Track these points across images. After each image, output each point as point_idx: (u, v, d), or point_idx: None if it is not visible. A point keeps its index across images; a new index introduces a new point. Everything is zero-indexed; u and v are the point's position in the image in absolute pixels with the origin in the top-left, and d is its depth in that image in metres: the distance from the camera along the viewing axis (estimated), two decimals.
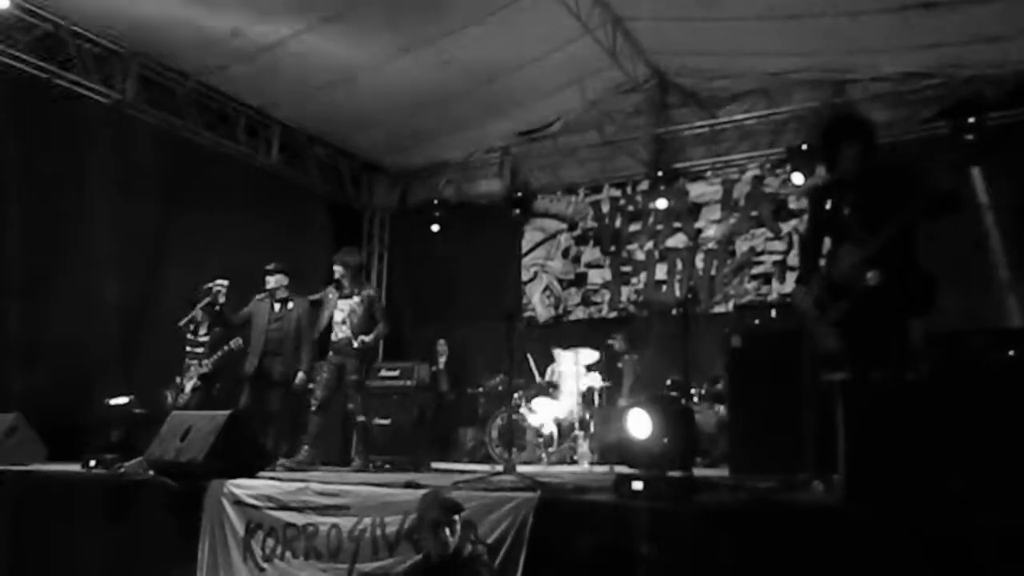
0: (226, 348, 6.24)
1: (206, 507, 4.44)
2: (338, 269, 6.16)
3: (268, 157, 9.35)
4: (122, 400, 5.98)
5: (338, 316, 6.13)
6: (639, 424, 3.70)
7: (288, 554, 4.15)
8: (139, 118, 7.98)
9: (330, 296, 6.29)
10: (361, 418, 6.13)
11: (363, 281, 6.31)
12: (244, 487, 4.42)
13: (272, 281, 6.37)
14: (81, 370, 7.06)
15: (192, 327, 6.52)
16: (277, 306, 6.24)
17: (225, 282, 6.26)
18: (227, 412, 4.92)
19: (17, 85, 6.98)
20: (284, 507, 4.23)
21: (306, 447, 5.88)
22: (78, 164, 7.26)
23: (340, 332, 6.11)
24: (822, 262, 3.85)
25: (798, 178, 8.28)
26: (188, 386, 6.43)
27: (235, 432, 4.73)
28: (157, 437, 5.03)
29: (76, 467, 5.35)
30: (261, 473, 4.79)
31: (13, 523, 4.96)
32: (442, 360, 9.20)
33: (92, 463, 5.29)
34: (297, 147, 9.77)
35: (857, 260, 3.52)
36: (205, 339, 6.59)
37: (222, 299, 6.23)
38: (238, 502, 4.37)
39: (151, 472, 4.81)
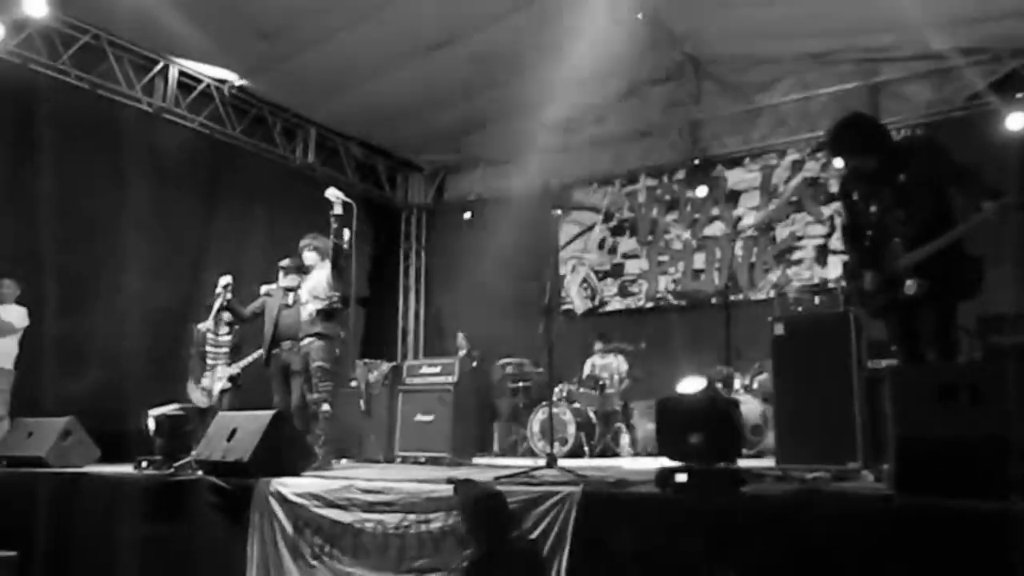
0: (254, 356, 6.32)
1: (254, 506, 4.50)
2: (310, 256, 5.94)
3: (305, 158, 9.47)
4: (164, 409, 6.06)
5: (303, 296, 5.91)
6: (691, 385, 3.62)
7: (336, 551, 4.18)
8: (178, 123, 8.15)
9: (270, 296, 6.20)
10: (327, 408, 5.65)
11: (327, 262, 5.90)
12: (290, 485, 4.46)
13: (287, 280, 6.22)
14: (129, 373, 7.25)
15: (213, 327, 6.64)
16: (290, 296, 6.20)
17: (227, 279, 6.30)
18: (271, 412, 5.00)
19: (61, 95, 7.18)
20: (330, 504, 4.26)
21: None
22: (121, 171, 7.44)
23: (304, 313, 5.87)
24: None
25: (839, 162, 8.09)
26: (217, 388, 6.53)
27: (279, 431, 4.79)
28: (205, 438, 5.13)
29: (128, 468, 5.48)
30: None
31: (69, 523, 5.10)
32: (460, 354, 9.17)
33: (143, 464, 5.41)
34: (333, 147, 9.88)
35: (903, 267, 3.41)
36: (227, 339, 6.69)
37: (229, 295, 6.24)
38: (285, 500, 4.42)
39: (200, 472, 4.90)
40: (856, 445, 4.26)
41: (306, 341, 5.79)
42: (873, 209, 3.54)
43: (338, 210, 5.70)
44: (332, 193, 5.75)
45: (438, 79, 8.34)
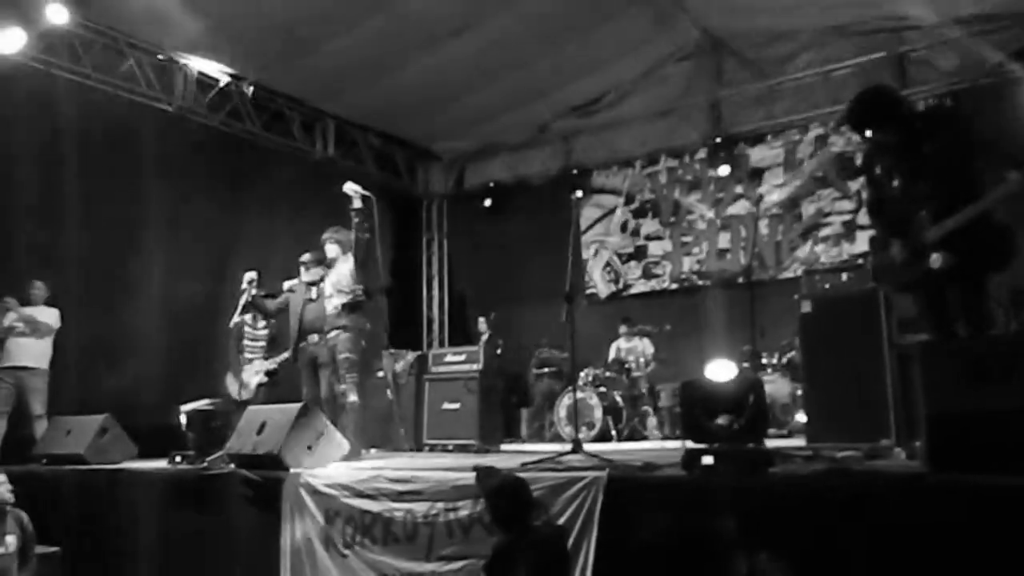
0: (288, 354, 6.38)
1: (286, 497, 4.56)
2: (332, 248, 5.94)
3: (324, 151, 9.50)
4: (195, 404, 6.11)
5: (327, 290, 5.92)
6: (721, 370, 3.58)
7: (367, 540, 4.23)
8: (199, 122, 8.21)
9: (293, 292, 6.23)
10: (353, 399, 5.67)
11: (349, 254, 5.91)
12: (320, 476, 4.52)
13: (309, 275, 6.23)
14: (161, 369, 7.38)
15: (251, 321, 6.70)
16: (313, 291, 6.21)
17: (252, 275, 6.33)
18: (298, 404, 5.04)
19: (83, 98, 7.26)
20: (359, 495, 4.30)
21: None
22: (144, 171, 7.53)
23: (329, 306, 5.88)
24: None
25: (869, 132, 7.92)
26: (254, 381, 6.59)
27: (307, 423, 4.84)
28: (235, 432, 5.19)
29: (163, 463, 5.57)
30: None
31: (108, 518, 5.21)
32: (483, 339, 9.17)
33: (177, 459, 5.49)
34: (351, 139, 9.89)
35: (928, 240, 3.33)
36: (264, 332, 6.76)
37: (255, 290, 6.24)
38: (315, 491, 4.47)
39: (232, 465, 4.96)
40: (889, 422, 4.20)
41: (333, 334, 5.83)
42: (896, 183, 3.46)
43: (357, 204, 5.71)
44: (350, 187, 5.76)
45: (454, 67, 8.30)
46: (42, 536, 4.70)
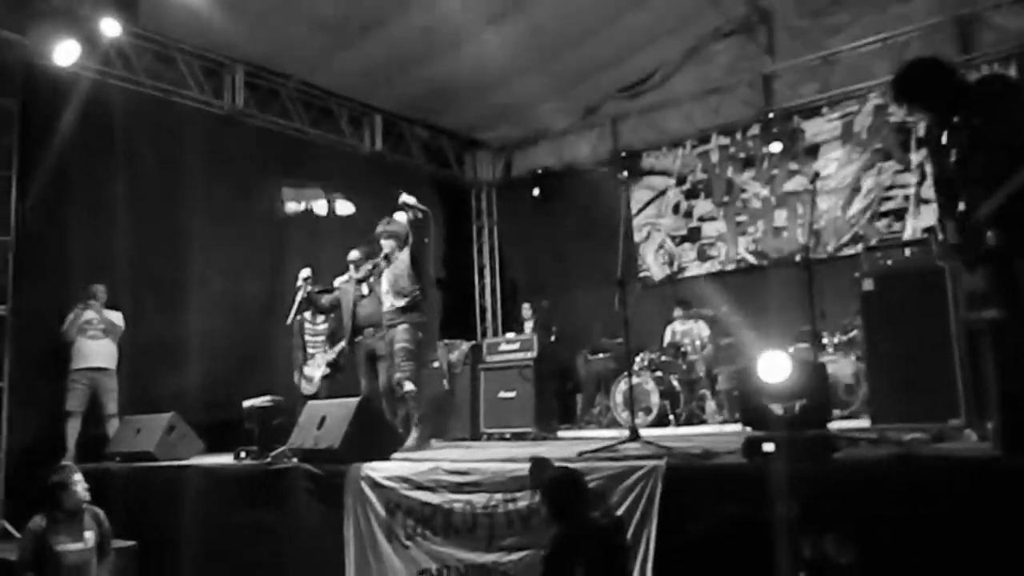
0: (343, 345, 6.47)
1: (348, 491, 4.63)
2: (387, 243, 5.93)
3: (373, 145, 9.59)
4: (255, 401, 6.25)
5: (384, 286, 5.94)
6: (774, 367, 3.43)
7: (428, 532, 4.27)
8: (249, 123, 8.36)
9: (345, 287, 6.28)
10: (410, 387, 5.69)
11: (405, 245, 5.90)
12: (380, 470, 4.57)
13: (359, 272, 6.32)
14: (225, 367, 7.56)
15: (310, 317, 6.81)
16: (363, 287, 6.29)
17: (306, 272, 6.41)
18: (356, 399, 5.12)
19: (140, 106, 7.44)
20: (419, 487, 4.34)
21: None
22: (198, 172, 7.70)
23: (386, 303, 5.90)
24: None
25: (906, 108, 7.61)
26: (317, 375, 6.72)
27: (366, 417, 4.91)
28: (297, 427, 5.30)
29: (229, 458, 5.72)
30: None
31: (179, 512, 5.38)
32: (528, 325, 9.12)
33: (242, 454, 5.64)
34: (399, 132, 9.96)
35: (983, 216, 3.15)
36: (323, 327, 6.87)
37: (309, 287, 6.35)
38: (376, 484, 4.52)
39: (295, 460, 5.07)
40: (958, 401, 4.05)
41: (390, 328, 5.88)
42: (954, 157, 3.29)
43: (411, 215, 5.71)
44: (405, 201, 5.71)
45: (497, 54, 8.24)
46: (117, 531, 4.89)
